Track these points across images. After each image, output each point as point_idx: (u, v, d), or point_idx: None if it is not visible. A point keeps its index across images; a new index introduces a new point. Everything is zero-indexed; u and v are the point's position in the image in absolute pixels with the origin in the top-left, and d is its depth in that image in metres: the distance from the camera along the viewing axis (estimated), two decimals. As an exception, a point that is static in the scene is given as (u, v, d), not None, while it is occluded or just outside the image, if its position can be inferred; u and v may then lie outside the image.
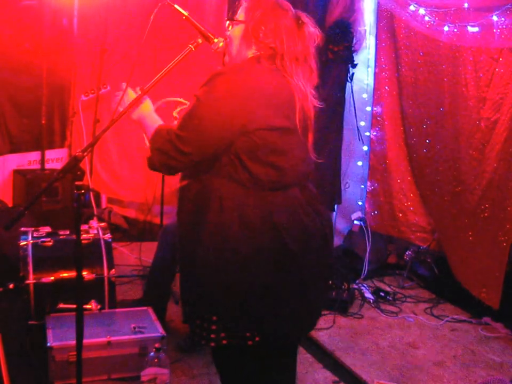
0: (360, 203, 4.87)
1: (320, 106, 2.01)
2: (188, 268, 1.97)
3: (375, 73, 4.64)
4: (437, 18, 3.82)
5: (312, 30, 1.98)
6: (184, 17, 2.06)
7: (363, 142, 4.73)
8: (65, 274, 3.13)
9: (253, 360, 2.01)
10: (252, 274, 1.86)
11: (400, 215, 4.62)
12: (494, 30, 3.57)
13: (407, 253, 4.55)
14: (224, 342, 1.91)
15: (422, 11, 3.87)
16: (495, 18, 3.53)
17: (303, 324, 2.03)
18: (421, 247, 4.52)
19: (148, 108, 2.03)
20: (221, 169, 1.87)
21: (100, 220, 4.66)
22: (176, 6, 2.07)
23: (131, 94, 2.04)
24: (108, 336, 2.84)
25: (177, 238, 2.06)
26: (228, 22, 2.03)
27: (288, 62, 1.92)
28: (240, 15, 1.99)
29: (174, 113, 2.22)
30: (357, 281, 4.39)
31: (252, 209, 1.85)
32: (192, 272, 1.94)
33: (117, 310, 3.21)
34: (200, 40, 2.03)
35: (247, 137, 1.82)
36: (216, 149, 1.84)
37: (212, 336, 1.91)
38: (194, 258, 1.91)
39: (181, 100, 2.24)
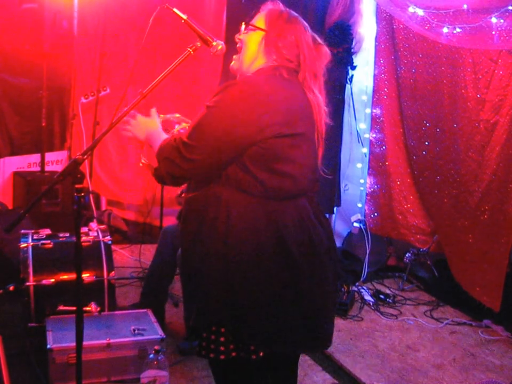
0: (359, 205, 4.87)
1: (330, 123, 2.02)
2: (194, 279, 1.94)
3: (374, 75, 4.65)
4: (435, 20, 3.82)
5: (327, 51, 2.01)
6: (183, 21, 2.06)
7: (362, 144, 4.73)
8: (65, 277, 3.13)
9: (255, 373, 2.00)
10: (258, 286, 1.85)
11: (400, 217, 4.62)
12: (493, 32, 3.57)
13: (406, 255, 4.54)
14: (233, 354, 1.90)
15: (421, 13, 3.87)
16: (494, 20, 3.53)
17: (306, 337, 1.97)
18: (421, 249, 4.51)
19: (155, 125, 2.04)
20: (228, 179, 1.85)
21: (100, 222, 4.67)
22: (175, 9, 2.07)
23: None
24: (108, 338, 2.84)
25: (181, 249, 2.04)
26: (243, 26, 2.01)
27: (308, 77, 1.94)
28: (259, 22, 1.99)
29: (175, 131, 2.21)
30: (357, 284, 4.39)
31: (260, 220, 1.84)
32: (199, 284, 1.91)
33: (116, 312, 3.21)
34: (199, 44, 2.02)
35: (257, 147, 1.81)
36: (224, 159, 1.82)
37: (221, 348, 1.89)
38: (201, 269, 1.89)
39: (185, 118, 2.23)
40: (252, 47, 1.98)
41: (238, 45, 2.03)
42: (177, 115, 2.21)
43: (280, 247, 1.85)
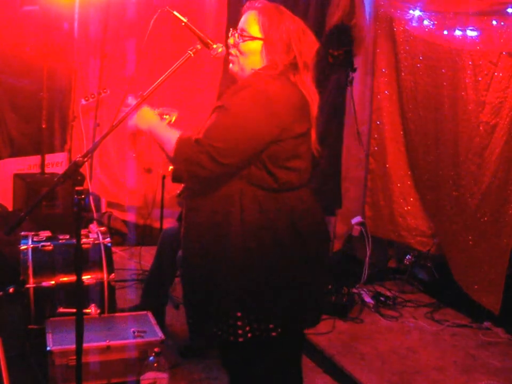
0: (360, 207, 4.86)
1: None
2: (207, 271, 1.97)
3: (374, 77, 4.65)
4: (436, 23, 3.83)
5: (314, 40, 2.06)
6: (183, 24, 2.07)
7: (363, 147, 4.73)
8: (65, 279, 3.13)
9: (270, 353, 2.06)
10: (276, 270, 1.94)
11: (400, 219, 4.62)
12: (493, 34, 3.58)
13: (407, 257, 4.55)
14: (249, 335, 1.96)
15: (421, 15, 3.88)
16: (494, 22, 3.54)
17: (315, 312, 2.15)
18: (421, 252, 4.51)
19: (153, 116, 2.04)
20: (239, 174, 1.91)
21: (100, 224, 4.66)
22: (175, 12, 2.07)
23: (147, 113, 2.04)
24: (108, 341, 2.84)
25: (188, 241, 2.04)
26: (238, 36, 2.01)
27: (301, 70, 2.00)
28: (254, 29, 1.99)
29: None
30: (357, 286, 4.38)
31: (271, 209, 1.92)
32: (215, 273, 1.95)
33: (116, 314, 3.21)
34: (199, 46, 2.03)
35: (277, 145, 1.90)
36: (249, 158, 1.89)
37: (239, 331, 1.95)
38: (219, 259, 1.94)
39: (170, 110, 2.20)
40: (254, 57, 2.01)
41: (232, 50, 2.03)
42: (160, 110, 2.19)
43: (293, 233, 1.95)
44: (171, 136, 1.93)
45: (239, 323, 1.95)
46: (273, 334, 1.98)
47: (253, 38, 1.99)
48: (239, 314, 1.95)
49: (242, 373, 2.14)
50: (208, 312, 2.01)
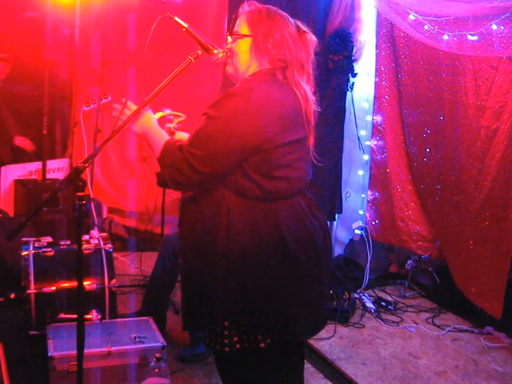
0: (361, 212, 4.86)
1: (318, 110, 2.06)
2: (197, 277, 1.98)
3: (375, 82, 4.66)
4: (436, 27, 3.84)
5: (312, 37, 2.05)
6: (184, 29, 2.08)
7: (363, 151, 4.73)
8: (66, 284, 3.13)
9: (261, 364, 2.04)
10: (261, 280, 1.92)
11: (401, 224, 4.62)
12: (493, 39, 3.59)
13: (408, 262, 4.54)
14: (238, 346, 1.95)
15: (421, 20, 3.88)
16: (494, 27, 3.55)
17: (310, 324, 2.07)
18: (422, 256, 4.51)
19: (150, 120, 2.04)
20: (226, 183, 1.91)
21: (101, 229, 4.66)
22: (176, 18, 2.08)
23: (132, 108, 2.03)
24: (109, 346, 2.84)
25: (181, 251, 2.08)
26: (230, 37, 2.04)
27: (296, 71, 1.98)
28: (243, 28, 2.02)
29: (171, 126, 2.22)
30: (358, 291, 4.38)
31: (259, 220, 1.90)
32: (203, 281, 1.95)
33: (117, 320, 3.21)
34: (200, 52, 2.04)
35: (260, 156, 1.88)
36: (230, 168, 1.89)
37: (226, 341, 1.95)
38: (206, 269, 1.94)
39: (178, 113, 2.24)
40: (244, 56, 2.01)
41: (227, 54, 2.05)
42: (169, 111, 2.21)
43: (279, 243, 1.92)
44: (160, 140, 1.97)
45: (225, 332, 1.94)
46: (262, 345, 1.95)
47: (242, 36, 2.01)
48: (226, 323, 1.94)
49: (234, 382, 2.12)
50: (200, 316, 2.00)
